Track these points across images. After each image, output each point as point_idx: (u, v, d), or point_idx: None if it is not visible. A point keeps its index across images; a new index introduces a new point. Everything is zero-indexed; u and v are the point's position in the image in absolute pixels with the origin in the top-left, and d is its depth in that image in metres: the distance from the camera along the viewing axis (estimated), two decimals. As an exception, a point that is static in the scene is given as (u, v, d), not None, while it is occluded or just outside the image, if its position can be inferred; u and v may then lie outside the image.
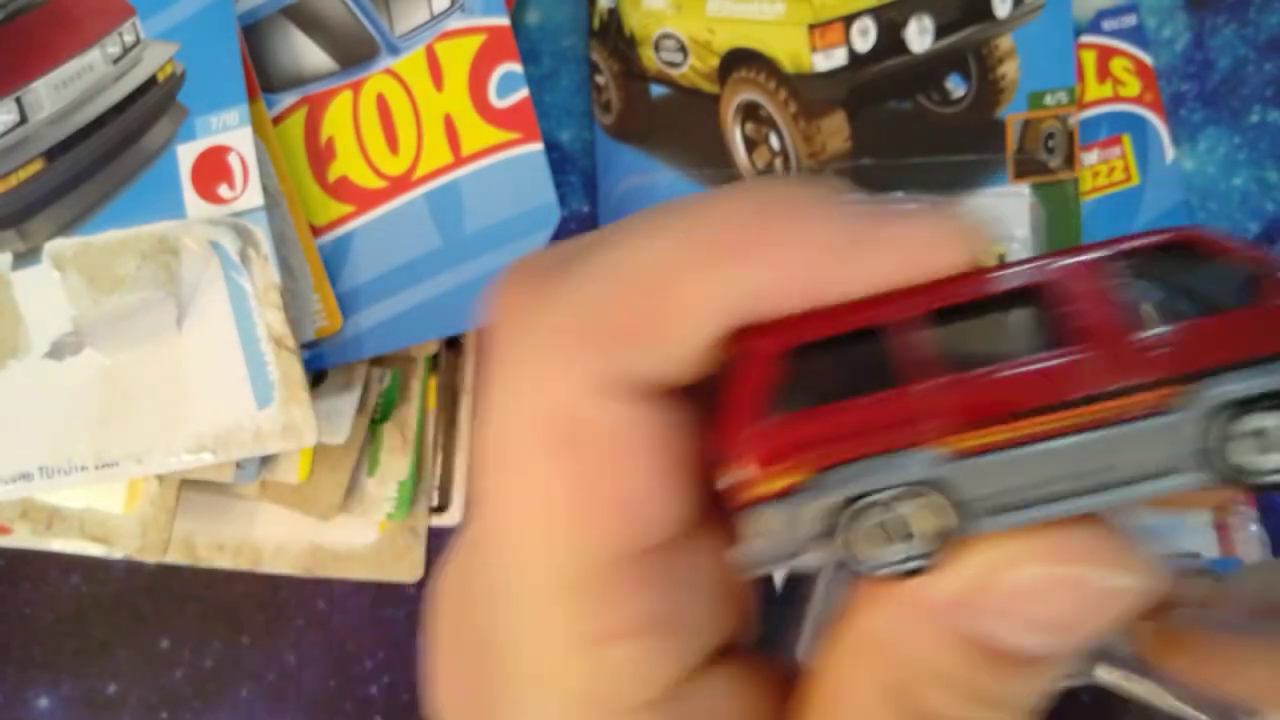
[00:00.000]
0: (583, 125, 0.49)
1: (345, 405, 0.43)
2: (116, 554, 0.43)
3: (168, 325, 0.40)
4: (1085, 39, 0.47)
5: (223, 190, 0.40)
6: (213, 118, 0.41)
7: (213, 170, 0.41)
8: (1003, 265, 0.17)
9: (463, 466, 0.47)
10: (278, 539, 0.46)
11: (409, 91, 0.44)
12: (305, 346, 0.41)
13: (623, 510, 0.18)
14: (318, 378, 0.42)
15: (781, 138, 0.46)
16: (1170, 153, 0.47)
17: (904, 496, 0.17)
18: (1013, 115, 0.45)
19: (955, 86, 0.46)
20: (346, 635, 0.47)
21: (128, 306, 0.40)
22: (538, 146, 0.43)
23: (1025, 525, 0.17)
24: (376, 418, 0.45)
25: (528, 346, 0.18)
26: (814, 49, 0.45)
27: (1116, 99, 0.47)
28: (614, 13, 0.47)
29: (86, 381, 0.40)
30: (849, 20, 0.45)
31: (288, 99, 0.43)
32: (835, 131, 0.46)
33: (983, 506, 0.17)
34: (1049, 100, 0.45)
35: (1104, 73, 0.47)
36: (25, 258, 0.41)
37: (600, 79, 0.48)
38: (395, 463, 0.45)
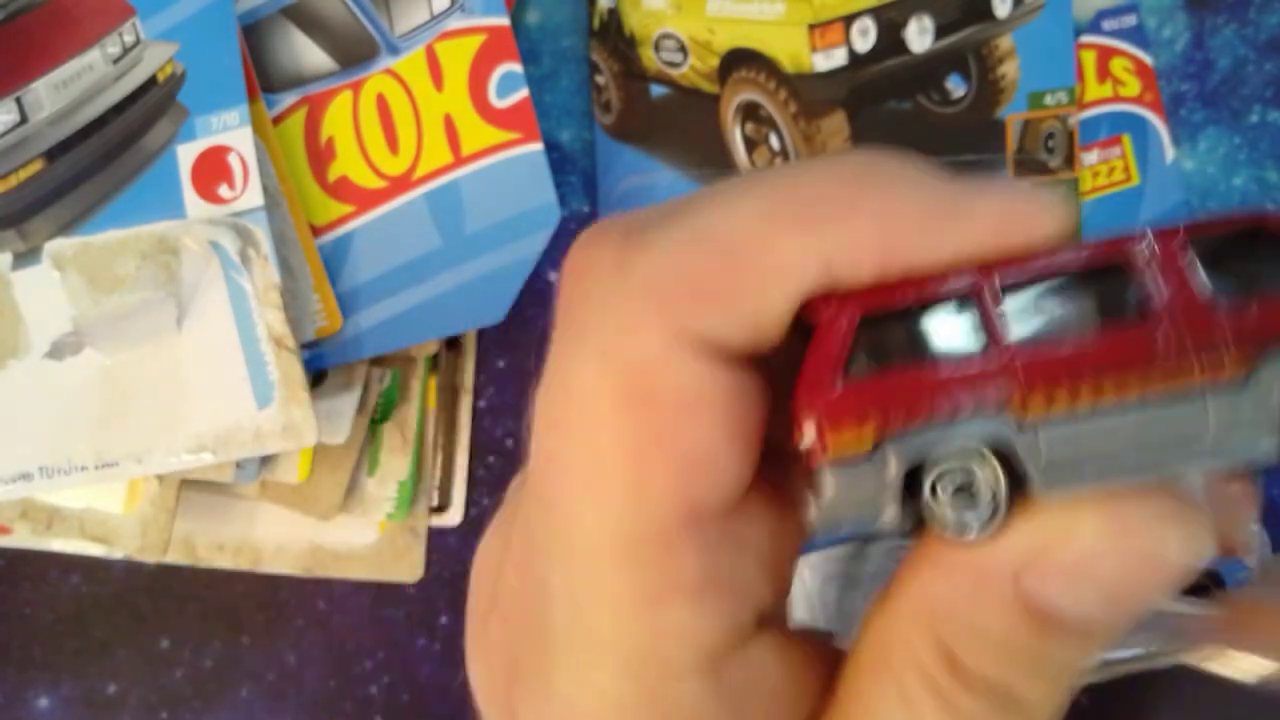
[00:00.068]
0: (583, 125, 0.49)
1: (345, 405, 0.43)
2: (116, 554, 0.43)
3: (168, 325, 0.40)
4: (1085, 39, 0.47)
5: (223, 190, 0.40)
6: (213, 118, 0.41)
7: (213, 170, 0.41)
8: (1079, 244, 0.18)
9: (463, 466, 0.47)
10: (278, 539, 0.46)
11: (409, 91, 0.44)
12: (305, 346, 0.41)
13: (689, 470, 0.18)
14: (318, 378, 0.43)
15: (781, 138, 0.46)
16: (1170, 153, 0.47)
17: (974, 460, 0.17)
18: (1013, 115, 0.45)
19: (955, 86, 0.46)
20: (346, 635, 0.47)
21: (128, 306, 0.40)
22: (538, 146, 0.43)
23: (1091, 493, 0.17)
24: (376, 418, 0.45)
25: (607, 305, 0.18)
26: (814, 49, 0.45)
27: (1116, 99, 0.47)
28: (614, 13, 0.47)
29: (86, 381, 0.40)
30: (849, 20, 0.45)
31: (288, 99, 0.43)
32: (835, 131, 0.46)
33: (1051, 473, 0.17)
34: (1049, 100, 0.45)
35: (1104, 73, 0.47)
36: (25, 258, 0.41)
37: (600, 79, 0.48)
38: (395, 463, 0.45)
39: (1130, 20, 0.47)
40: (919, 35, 0.45)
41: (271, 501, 0.44)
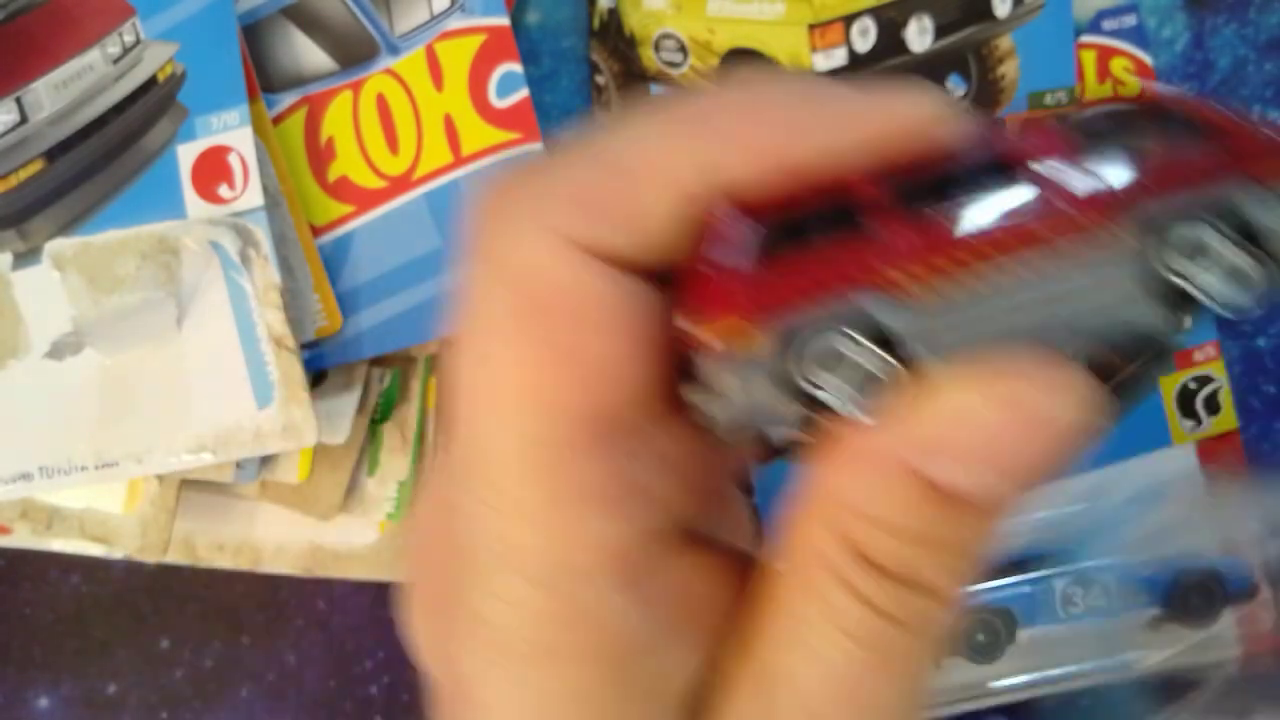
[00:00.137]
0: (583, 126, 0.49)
1: (345, 405, 0.43)
2: (116, 554, 0.43)
3: (168, 325, 0.40)
4: (1085, 39, 0.47)
5: (223, 190, 0.40)
6: (213, 118, 0.41)
7: (213, 170, 0.41)
8: (968, 137, 0.18)
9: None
10: (278, 539, 0.46)
11: (409, 91, 0.44)
12: (305, 346, 0.41)
13: (589, 377, 0.18)
14: (318, 378, 0.43)
15: (781, 138, 0.46)
16: (1170, 153, 0.47)
17: (859, 341, 0.18)
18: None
19: (955, 86, 0.46)
20: (346, 635, 0.47)
21: (128, 306, 0.40)
22: (538, 146, 0.43)
23: (978, 365, 0.18)
24: (376, 418, 0.45)
25: (499, 224, 0.19)
26: (814, 49, 0.45)
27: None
28: (614, 13, 0.47)
29: (86, 381, 0.40)
30: (849, 20, 0.45)
31: (288, 99, 0.43)
32: (835, 131, 0.46)
33: (932, 345, 0.18)
34: (1049, 100, 0.45)
35: (1104, 73, 0.47)
36: (25, 258, 0.41)
37: (600, 79, 0.48)
38: (395, 463, 0.45)
39: (1130, 20, 0.47)
40: (919, 35, 0.45)
41: (271, 501, 0.44)
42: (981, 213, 0.18)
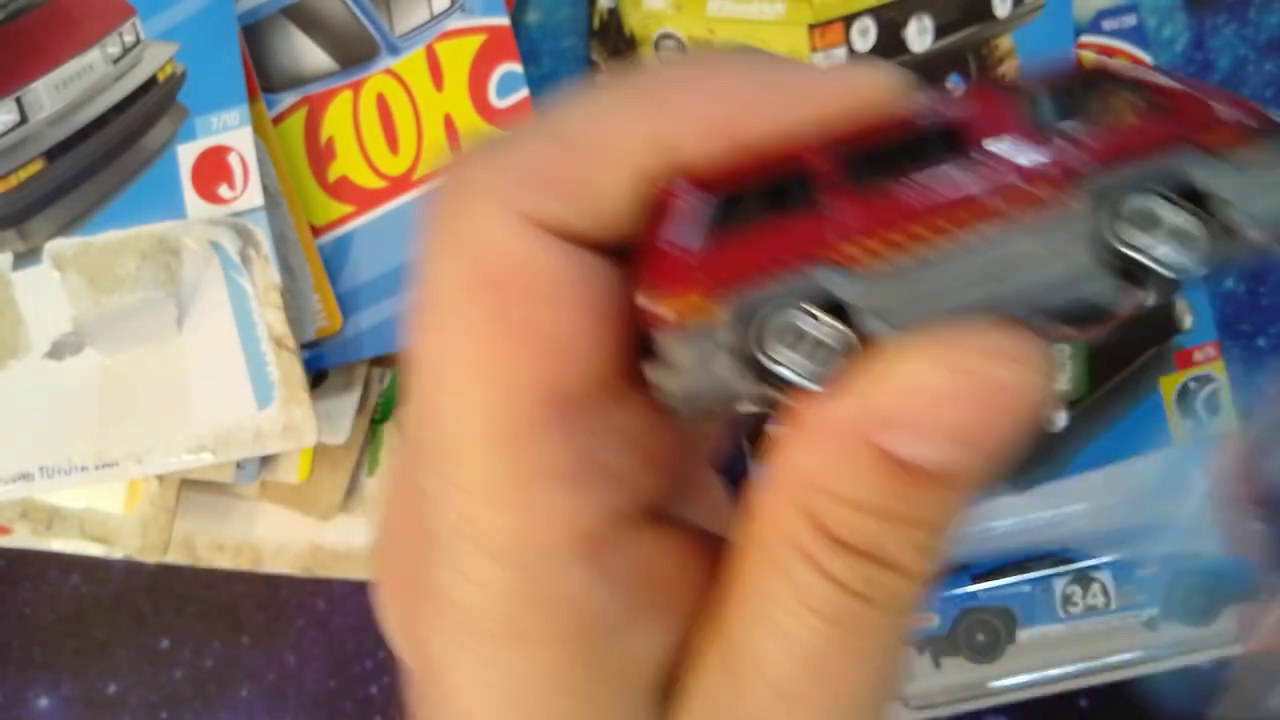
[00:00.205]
0: (583, 125, 0.49)
1: (345, 405, 0.43)
2: (116, 554, 0.43)
3: (168, 325, 0.40)
4: (1085, 39, 0.47)
5: (223, 190, 0.40)
6: (213, 118, 0.41)
7: (213, 170, 0.41)
8: (914, 106, 0.18)
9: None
10: (278, 539, 0.46)
11: (409, 91, 0.44)
12: (305, 346, 0.41)
13: (546, 353, 0.18)
14: (318, 378, 0.42)
15: (781, 138, 0.46)
16: (1170, 153, 0.47)
17: (811, 312, 0.18)
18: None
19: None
20: (346, 635, 0.47)
21: (128, 306, 0.40)
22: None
23: (926, 331, 0.18)
24: (376, 418, 0.45)
25: (457, 196, 0.19)
26: (814, 49, 0.45)
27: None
28: (614, 13, 0.47)
29: (86, 381, 0.40)
30: (849, 20, 0.45)
31: (288, 99, 0.43)
32: (835, 131, 0.46)
33: (887, 314, 0.18)
34: (1049, 100, 0.45)
35: (1104, 73, 0.47)
36: (25, 258, 0.41)
37: (600, 79, 0.48)
38: (395, 463, 0.45)
39: (1130, 20, 0.47)
40: (919, 35, 0.45)
41: (271, 501, 0.44)
42: (933, 184, 0.18)
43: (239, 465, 0.42)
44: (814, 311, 0.18)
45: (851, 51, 0.45)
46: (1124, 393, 0.47)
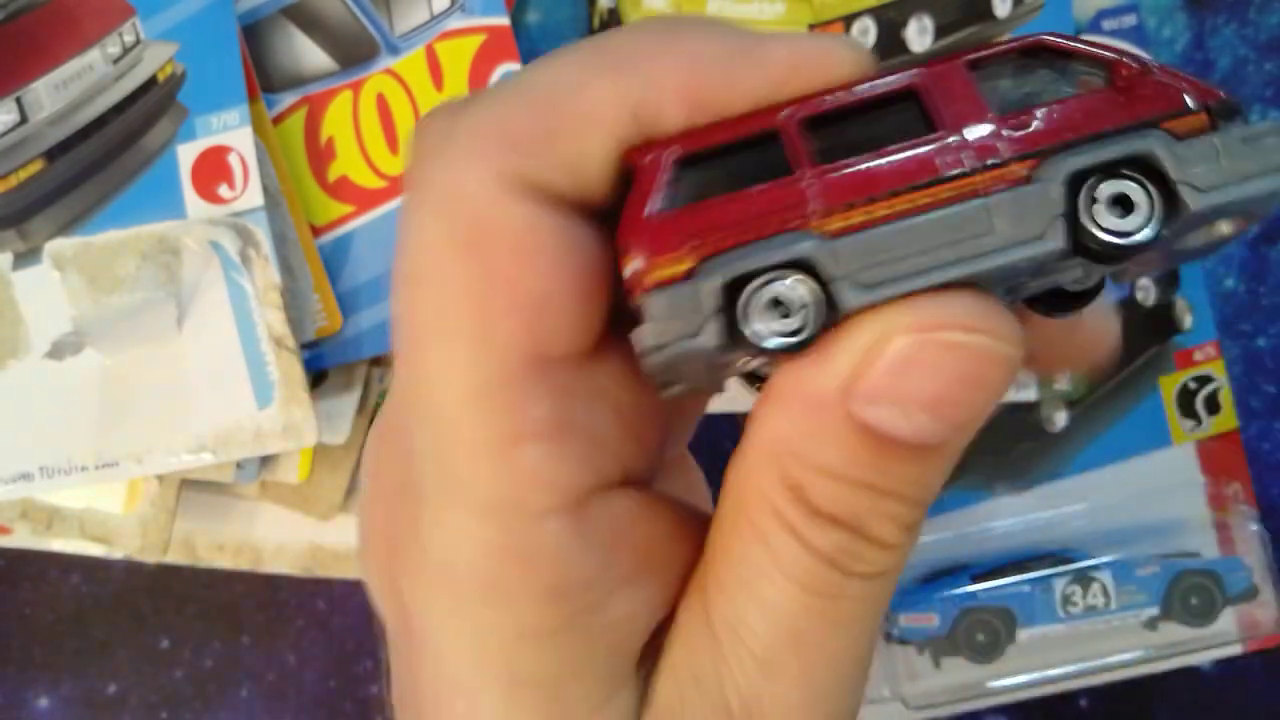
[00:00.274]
0: (583, 125, 0.49)
1: (345, 405, 0.43)
2: (116, 554, 0.43)
3: (168, 325, 0.40)
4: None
5: (223, 190, 0.40)
6: (213, 118, 0.41)
7: (213, 170, 0.41)
8: (872, 78, 0.19)
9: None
10: (278, 539, 0.46)
11: (409, 91, 0.44)
12: (305, 346, 0.41)
13: (530, 312, 0.18)
14: (318, 378, 0.43)
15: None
16: (1170, 153, 0.47)
17: (783, 274, 0.18)
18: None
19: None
20: (346, 635, 0.47)
21: (128, 306, 0.40)
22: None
23: (900, 297, 0.18)
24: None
25: (436, 159, 0.19)
26: (814, 49, 0.45)
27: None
28: (614, 13, 0.47)
29: (86, 381, 0.40)
30: (849, 20, 0.45)
31: (288, 99, 0.43)
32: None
33: (860, 281, 0.18)
34: (1049, 100, 0.45)
35: (1104, 73, 0.47)
36: (25, 258, 0.41)
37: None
38: (395, 463, 0.45)
39: (1130, 20, 0.47)
40: (919, 35, 0.45)
41: (271, 501, 0.44)
42: (899, 155, 0.18)
43: (239, 465, 0.42)
44: (789, 277, 0.18)
45: (851, 51, 0.45)
46: (1124, 393, 0.47)
